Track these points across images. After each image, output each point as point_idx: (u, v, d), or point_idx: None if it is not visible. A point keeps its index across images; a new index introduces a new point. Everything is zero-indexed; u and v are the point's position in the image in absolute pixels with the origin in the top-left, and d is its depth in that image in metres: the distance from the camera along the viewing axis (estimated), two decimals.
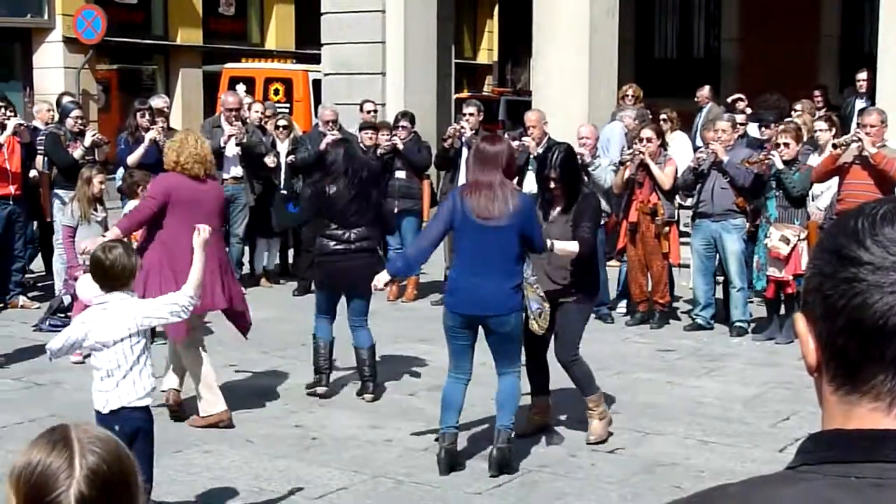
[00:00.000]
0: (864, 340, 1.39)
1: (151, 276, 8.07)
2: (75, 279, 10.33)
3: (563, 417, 8.41)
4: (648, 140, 11.43)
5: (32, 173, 12.96)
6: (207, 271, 7.83)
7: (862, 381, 1.41)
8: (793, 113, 13.79)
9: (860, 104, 15.13)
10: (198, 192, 8.44)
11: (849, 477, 1.37)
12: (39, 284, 13.54)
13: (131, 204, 10.86)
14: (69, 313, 10.76)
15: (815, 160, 11.22)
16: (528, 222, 7.25)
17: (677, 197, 11.79)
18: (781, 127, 11.43)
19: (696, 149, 12.74)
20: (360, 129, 13.85)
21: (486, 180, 7.17)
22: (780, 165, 10.75)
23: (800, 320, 1.48)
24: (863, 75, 15.85)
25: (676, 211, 11.72)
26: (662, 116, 13.95)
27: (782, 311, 11.13)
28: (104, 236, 8.71)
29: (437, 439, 7.50)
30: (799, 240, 10.70)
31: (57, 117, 13.75)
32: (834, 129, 11.68)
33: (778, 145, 10.95)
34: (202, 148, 8.58)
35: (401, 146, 13.14)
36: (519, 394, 7.51)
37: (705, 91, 16.80)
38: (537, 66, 16.97)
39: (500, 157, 7.22)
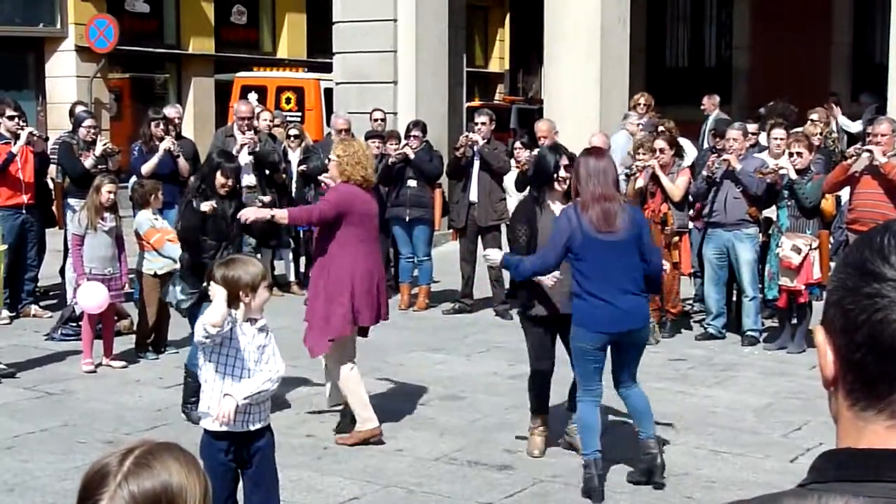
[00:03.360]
0: (882, 357, 1.39)
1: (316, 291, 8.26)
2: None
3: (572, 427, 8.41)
4: (661, 151, 11.44)
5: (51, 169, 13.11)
6: (369, 286, 8.13)
7: (878, 398, 1.42)
8: (809, 122, 13.78)
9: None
10: (372, 204, 8.32)
11: (859, 496, 1.37)
12: (52, 293, 13.57)
13: (143, 213, 10.90)
14: (81, 322, 10.79)
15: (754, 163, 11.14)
16: (646, 234, 7.41)
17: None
18: (793, 136, 11.42)
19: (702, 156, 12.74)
20: (366, 138, 13.88)
21: (609, 193, 7.11)
22: (793, 176, 10.74)
23: (819, 332, 1.48)
24: None
25: (687, 220, 11.70)
26: (661, 129, 13.94)
27: (794, 320, 11.13)
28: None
29: (584, 466, 7.22)
30: (810, 249, 10.70)
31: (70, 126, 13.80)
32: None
33: (791, 154, 10.94)
34: (371, 155, 8.49)
35: (412, 155, 13.16)
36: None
37: (712, 99, 16.82)
38: (549, 75, 17.00)
39: (613, 171, 7.24)
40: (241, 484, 5.85)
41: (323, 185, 8.90)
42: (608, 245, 7.02)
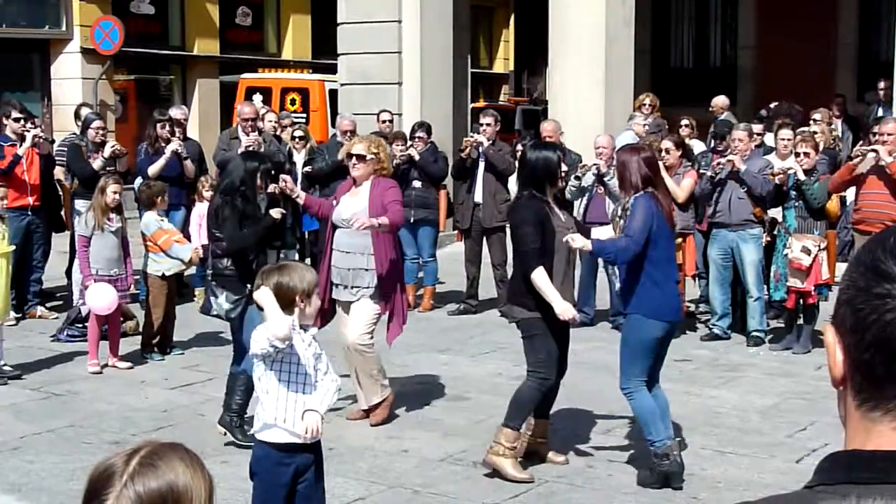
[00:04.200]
0: (891, 357, 1.39)
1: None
2: (87, 288, 10.40)
3: (580, 430, 8.42)
4: (667, 151, 11.42)
5: (57, 170, 13.12)
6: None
7: (886, 399, 1.41)
8: (811, 122, 13.78)
9: (882, 112, 15.12)
10: None
11: (865, 498, 1.37)
12: (58, 294, 13.59)
13: (149, 214, 10.92)
14: (87, 323, 10.81)
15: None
16: None
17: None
18: (800, 136, 11.42)
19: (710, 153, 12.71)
20: None
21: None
22: (801, 176, 10.72)
23: (829, 332, 1.48)
24: (888, 83, 15.82)
25: (692, 221, 11.69)
26: (684, 122, 13.94)
27: (800, 320, 11.12)
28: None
29: (663, 455, 7.25)
30: (819, 250, 10.68)
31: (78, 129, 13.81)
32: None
33: (798, 154, 10.93)
34: None
35: (417, 156, 13.16)
36: None
37: (720, 100, 16.74)
38: (553, 76, 17.00)
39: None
40: None
41: (299, 196, 8.94)
42: (669, 234, 7.41)
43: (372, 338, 8.64)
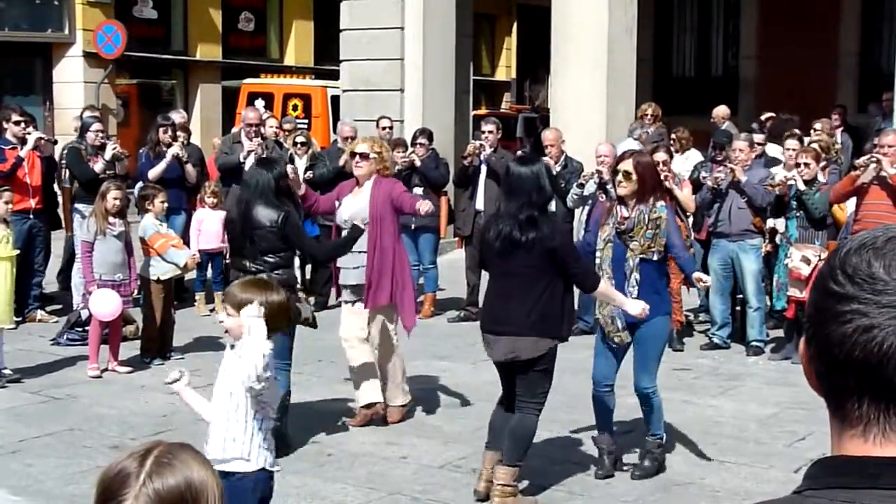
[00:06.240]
0: (830, 368, 1.45)
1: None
2: (91, 293, 10.41)
3: (580, 438, 8.42)
4: (664, 164, 11.35)
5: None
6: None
7: (840, 408, 1.46)
8: (812, 132, 13.78)
9: (883, 124, 15.12)
10: None
11: (853, 503, 1.38)
12: (58, 298, 13.58)
13: (147, 217, 10.92)
14: (87, 327, 10.81)
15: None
16: None
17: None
18: (802, 147, 11.42)
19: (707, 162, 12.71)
20: None
21: None
22: (801, 186, 10.73)
23: (801, 347, 1.54)
24: (890, 95, 15.82)
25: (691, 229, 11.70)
26: (673, 137, 13.93)
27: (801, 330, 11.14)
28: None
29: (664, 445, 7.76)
30: (819, 260, 10.67)
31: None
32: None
33: (798, 165, 10.93)
34: None
35: (419, 163, 13.17)
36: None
37: (721, 110, 16.73)
38: (555, 84, 17.00)
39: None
40: None
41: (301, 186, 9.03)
42: None
43: (397, 336, 8.90)
